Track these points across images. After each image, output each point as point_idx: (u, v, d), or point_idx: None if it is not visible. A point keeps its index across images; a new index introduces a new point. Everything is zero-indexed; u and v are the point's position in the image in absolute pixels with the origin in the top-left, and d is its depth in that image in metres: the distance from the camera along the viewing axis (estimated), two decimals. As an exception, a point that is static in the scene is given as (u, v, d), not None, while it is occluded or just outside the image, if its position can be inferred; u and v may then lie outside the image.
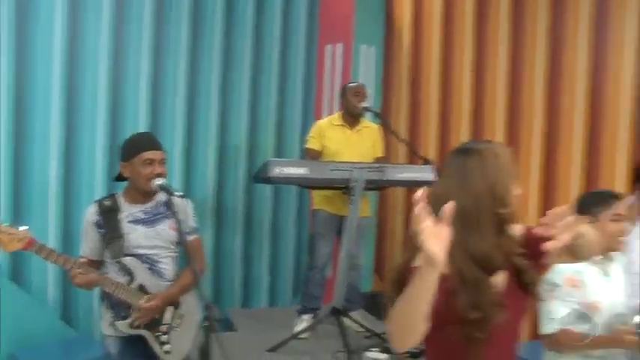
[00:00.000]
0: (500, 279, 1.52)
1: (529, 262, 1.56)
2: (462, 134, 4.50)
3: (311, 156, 3.84)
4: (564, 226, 1.28)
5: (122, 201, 2.46)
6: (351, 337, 3.59)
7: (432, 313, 1.33)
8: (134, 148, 2.44)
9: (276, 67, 4.77)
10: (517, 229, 1.60)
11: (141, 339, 2.40)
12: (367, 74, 4.83)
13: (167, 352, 2.43)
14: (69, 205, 3.74)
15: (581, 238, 1.63)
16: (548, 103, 4.01)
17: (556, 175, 3.95)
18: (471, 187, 1.49)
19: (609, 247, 2.20)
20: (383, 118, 4.11)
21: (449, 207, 1.27)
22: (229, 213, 4.58)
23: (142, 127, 4.00)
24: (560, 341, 2.17)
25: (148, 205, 2.47)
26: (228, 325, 4.26)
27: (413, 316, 1.32)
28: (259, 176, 3.48)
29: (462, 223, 1.38)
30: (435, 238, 1.24)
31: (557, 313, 2.15)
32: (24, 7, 3.54)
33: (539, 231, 1.32)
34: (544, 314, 2.19)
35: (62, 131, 3.70)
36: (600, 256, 2.18)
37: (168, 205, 2.40)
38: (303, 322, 3.83)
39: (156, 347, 2.42)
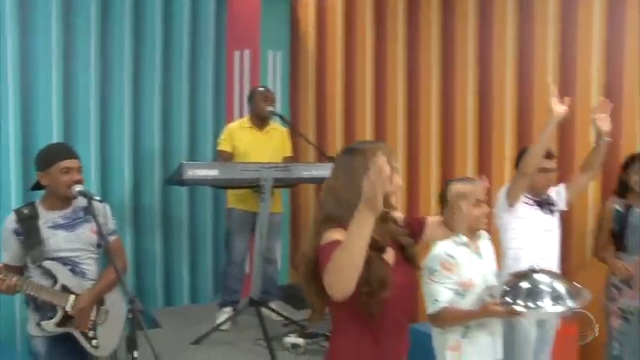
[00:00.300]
0: (389, 256, 1.83)
1: (411, 239, 1.92)
2: (365, 133, 4.84)
3: (223, 157, 4.04)
4: None
5: (41, 208, 2.59)
6: (271, 325, 3.85)
7: None
8: (51, 158, 2.58)
9: (186, 73, 4.90)
10: (399, 214, 1.96)
11: (68, 337, 2.55)
12: (275, 78, 5.08)
13: (95, 347, 2.59)
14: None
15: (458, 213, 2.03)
16: (442, 102, 4.43)
17: (452, 169, 4.38)
18: (355, 183, 1.69)
19: (475, 228, 2.55)
20: (288, 120, 4.38)
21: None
22: (147, 215, 4.70)
23: (56, 135, 4.08)
24: (443, 318, 2.47)
25: (67, 211, 2.61)
26: (152, 324, 4.39)
27: (356, 256, 1.53)
28: (173, 179, 3.65)
29: (352, 213, 1.60)
30: (380, 189, 1.48)
31: (438, 294, 2.45)
32: None
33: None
34: (428, 297, 2.49)
35: None
36: (468, 238, 2.53)
37: (87, 209, 2.56)
38: (224, 314, 4.04)
39: (84, 343, 2.57)
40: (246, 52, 5.04)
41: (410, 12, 4.59)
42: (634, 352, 3.24)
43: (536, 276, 2.41)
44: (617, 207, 3.35)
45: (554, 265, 3.00)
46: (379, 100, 4.78)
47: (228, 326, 3.93)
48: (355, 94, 4.92)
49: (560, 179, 3.25)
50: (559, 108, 2.81)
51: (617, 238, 3.33)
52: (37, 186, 2.64)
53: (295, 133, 4.32)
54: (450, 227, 2.13)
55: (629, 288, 3.25)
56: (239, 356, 3.58)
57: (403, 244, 1.89)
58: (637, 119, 3.58)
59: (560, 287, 2.38)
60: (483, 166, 4.16)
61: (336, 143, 5.00)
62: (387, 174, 1.49)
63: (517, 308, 2.32)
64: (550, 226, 3.09)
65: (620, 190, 3.40)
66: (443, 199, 2.53)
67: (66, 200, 2.59)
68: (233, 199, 4.13)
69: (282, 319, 3.99)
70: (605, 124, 2.94)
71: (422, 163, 4.53)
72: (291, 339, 3.68)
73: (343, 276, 1.56)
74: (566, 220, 3.60)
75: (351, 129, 4.94)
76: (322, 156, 4.29)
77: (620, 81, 3.63)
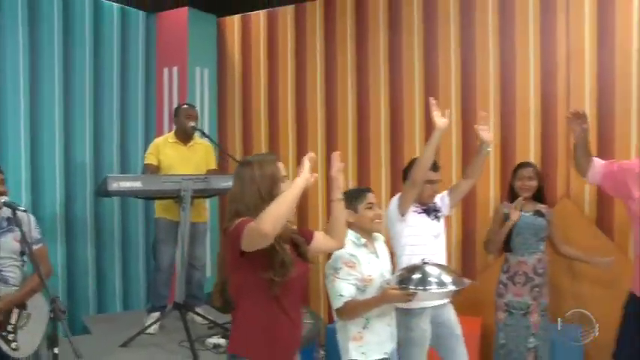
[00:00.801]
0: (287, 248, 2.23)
1: (303, 239, 2.37)
2: (288, 144, 5.19)
3: (149, 170, 4.25)
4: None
5: (-34, 219, 2.80)
6: (197, 328, 4.11)
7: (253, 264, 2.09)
8: (-27, 174, 2.79)
9: (117, 89, 5.10)
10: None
11: (-13, 339, 2.76)
12: (202, 94, 5.34)
13: (15, 350, 2.80)
14: None
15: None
16: (358, 116, 4.88)
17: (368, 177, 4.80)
18: (247, 191, 2.18)
19: (370, 230, 2.88)
20: (208, 135, 4.62)
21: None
22: (79, 226, 4.85)
23: None
24: (348, 310, 2.72)
25: (-7, 221, 2.83)
26: (83, 330, 4.58)
27: (284, 210, 2.04)
28: (100, 190, 3.84)
29: (252, 215, 2.09)
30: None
31: (342, 289, 2.70)
32: None
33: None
34: (333, 293, 2.72)
35: None
36: (365, 240, 2.84)
37: (11, 219, 2.77)
38: (152, 319, 4.24)
39: (3, 346, 2.78)
40: (175, 69, 5.28)
41: (326, 29, 5.03)
42: (516, 341, 3.64)
43: (426, 268, 2.73)
44: (506, 211, 3.72)
45: (443, 262, 3.27)
46: (300, 113, 5.17)
47: (155, 330, 4.14)
48: (278, 107, 5.29)
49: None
50: (440, 121, 3.11)
51: (506, 239, 3.69)
52: (-38, 199, 2.83)
53: (216, 146, 4.56)
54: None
55: (514, 285, 3.65)
56: (164, 356, 3.77)
57: (297, 243, 2.32)
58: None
59: (447, 278, 2.70)
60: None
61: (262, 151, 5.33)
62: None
63: (410, 290, 2.61)
64: (437, 231, 3.36)
65: (510, 196, 3.81)
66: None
67: (-10, 211, 2.80)
68: (160, 209, 4.36)
69: (207, 322, 4.23)
70: (486, 134, 3.29)
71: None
72: (214, 340, 3.90)
73: (277, 216, 2.02)
74: (470, 226, 4.08)
75: (275, 140, 5.30)
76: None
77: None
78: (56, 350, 2.54)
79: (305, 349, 3.61)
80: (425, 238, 3.30)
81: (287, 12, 5.22)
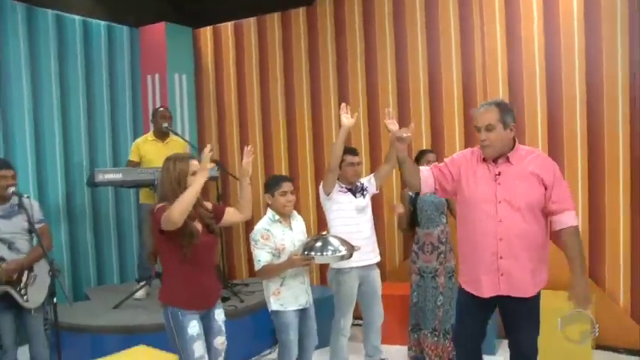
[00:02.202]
0: (198, 226, 3.04)
1: (212, 219, 3.14)
2: (256, 138, 6.04)
3: (132, 165, 5.04)
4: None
5: (-15, 204, 3.67)
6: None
7: (169, 237, 2.85)
8: (-10, 169, 3.66)
9: (107, 96, 5.95)
10: (209, 204, 3.19)
11: (7, 294, 3.63)
12: (181, 97, 6.17)
13: (26, 301, 3.68)
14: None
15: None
16: (314, 111, 5.71)
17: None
18: (165, 180, 3.03)
19: (281, 212, 3.54)
20: (177, 133, 5.37)
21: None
22: (79, 212, 5.74)
23: None
24: (264, 273, 3.43)
25: (6, 206, 3.69)
26: (85, 298, 5.47)
27: (187, 201, 2.80)
28: (90, 181, 4.69)
29: (169, 198, 2.92)
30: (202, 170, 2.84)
31: (260, 256, 3.40)
32: None
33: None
34: (254, 259, 3.43)
35: None
36: (279, 217, 3.52)
37: (20, 205, 3.64)
38: (140, 287, 5.11)
39: (18, 298, 3.65)
40: (157, 76, 6.09)
41: (284, 37, 5.85)
42: (426, 299, 4.30)
43: (328, 238, 3.45)
44: (410, 193, 4.39)
45: (368, 231, 4.01)
46: (265, 110, 6.02)
47: (141, 296, 5.02)
48: (246, 106, 6.12)
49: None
50: (346, 120, 3.85)
51: (412, 216, 4.40)
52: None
53: (188, 143, 5.34)
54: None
55: (424, 253, 4.31)
56: (146, 316, 4.52)
57: (207, 222, 3.13)
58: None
59: (341, 247, 3.39)
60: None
61: (234, 147, 6.19)
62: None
63: (310, 256, 3.32)
64: (361, 206, 4.02)
65: None
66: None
67: (3, 198, 3.67)
68: (143, 196, 5.21)
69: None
70: (393, 126, 3.74)
71: (300, 162, 5.79)
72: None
73: (182, 208, 2.81)
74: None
75: (245, 134, 6.14)
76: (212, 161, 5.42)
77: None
78: (55, 299, 3.44)
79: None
80: (349, 212, 3.98)
81: (250, 23, 6.05)
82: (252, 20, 6.04)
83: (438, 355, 4.26)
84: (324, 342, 4.05)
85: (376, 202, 4.92)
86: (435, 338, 4.28)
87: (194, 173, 3.00)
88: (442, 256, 4.30)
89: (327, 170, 4.01)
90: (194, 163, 3.05)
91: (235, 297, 4.88)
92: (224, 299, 4.77)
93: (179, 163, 3.03)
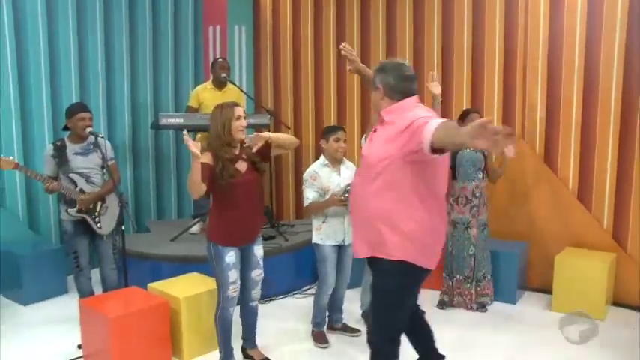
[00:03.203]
0: (242, 166, 3.40)
1: (258, 158, 3.48)
2: (308, 89, 6.37)
3: (190, 111, 5.47)
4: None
5: (68, 142, 4.15)
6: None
7: (210, 177, 3.23)
8: (73, 112, 4.13)
9: (171, 44, 6.39)
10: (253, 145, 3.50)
11: (84, 221, 4.17)
12: (240, 48, 6.50)
13: (100, 228, 4.21)
14: (27, 149, 5.37)
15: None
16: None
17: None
18: (213, 126, 3.39)
19: (335, 157, 3.96)
20: (234, 82, 5.68)
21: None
22: (143, 152, 6.28)
23: (75, 97, 5.55)
24: (310, 209, 3.92)
25: (84, 144, 4.17)
26: (146, 230, 6.05)
27: (195, 181, 3.19)
28: (154, 125, 5.15)
29: (213, 145, 3.32)
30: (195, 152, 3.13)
31: (307, 194, 3.88)
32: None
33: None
34: (303, 197, 3.91)
35: (18, 99, 5.25)
36: (329, 162, 3.94)
37: (95, 144, 4.12)
38: (195, 223, 5.63)
39: (93, 225, 4.19)
40: (217, 27, 6.44)
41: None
42: (460, 248, 4.65)
43: None
44: None
45: None
46: (317, 62, 6.31)
47: (196, 230, 5.52)
48: (300, 57, 6.41)
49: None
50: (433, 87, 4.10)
51: (452, 170, 4.63)
52: (66, 128, 4.20)
53: (243, 92, 5.68)
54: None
55: (457, 205, 4.62)
56: (198, 247, 4.85)
57: (254, 161, 3.47)
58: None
59: None
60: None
61: (287, 97, 6.54)
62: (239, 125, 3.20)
63: (346, 197, 3.72)
64: None
65: None
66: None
67: (82, 137, 4.15)
68: (200, 139, 5.63)
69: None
70: (435, 88, 4.07)
71: (348, 112, 6.09)
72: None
73: (191, 188, 3.24)
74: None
75: (298, 84, 6.47)
76: (260, 107, 5.85)
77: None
78: (122, 227, 3.95)
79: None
80: None
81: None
82: (308, -24, 6.27)
83: (470, 298, 4.67)
84: (357, 282, 4.47)
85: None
86: (468, 284, 4.66)
87: (238, 118, 3.34)
88: (475, 209, 4.60)
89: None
90: (238, 109, 3.37)
91: (281, 236, 5.33)
92: (270, 238, 5.24)
93: (225, 109, 3.37)
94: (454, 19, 5.42)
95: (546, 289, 4.87)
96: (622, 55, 4.62)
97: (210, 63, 5.75)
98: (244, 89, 5.93)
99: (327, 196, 3.90)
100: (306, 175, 3.96)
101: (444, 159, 2.76)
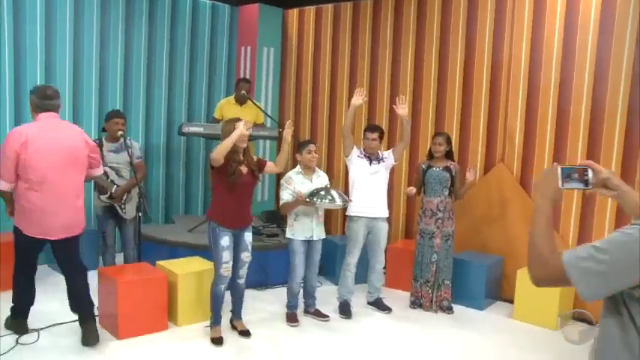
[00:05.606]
0: (244, 169, 4.21)
1: (257, 166, 4.30)
2: (324, 107, 7.11)
3: (215, 122, 6.24)
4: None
5: (104, 141, 5.06)
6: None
7: (218, 171, 4.11)
8: (109, 116, 5.05)
9: (206, 63, 7.23)
10: (255, 158, 4.37)
11: (112, 206, 5.06)
12: (267, 68, 7.30)
13: (124, 213, 5.10)
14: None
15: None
16: (369, 101, 6.68)
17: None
18: (222, 134, 4.22)
19: (308, 165, 4.67)
20: (252, 100, 6.44)
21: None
22: (175, 154, 7.15)
23: (119, 104, 6.47)
24: (284, 208, 4.67)
25: (116, 144, 5.06)
26: (171, 221, 6.92)
27: (224, 146, 4.02)
28: (179, 131, 5.99)
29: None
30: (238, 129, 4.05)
31: (282, 195, 4.64)
32: None
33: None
34: (280, 198, 4.68)
35: (71, 95, 6.21)
36: (303, 171, 4.67)
37: (125, 144, 5.01)
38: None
39: (119, 211, 5.08)
40: (249, 48, 7.27)
41: (353, 24, 6.77)
42: (424, 255, 5.23)
43: (331, 190, 4.59)
44: (423, 166, 5.28)
45: (377, 191, 5.03)
46: (332, 84, 7.04)
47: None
48: (318, 78, 7.15)
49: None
50: (356, 101, 4.90)
51: (423, 185, 5.27)
52: (104, 130, 5.11)
53: (259, 109, 6.46)
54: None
55: (425, 217, 5.20)
56: None
57: (252, 168, 4.29)
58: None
59: (338, 198, 4.52)
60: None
61: (307, 113, 7.31)
62: (242, 135, 4.00)
63: (311, 199, 4.48)
64: (374, 170, 5.02)
65: (428, 155, 5.35)
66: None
67: (115, 138, 5.04)
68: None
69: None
70: (402, 111, 4.96)
71: (357, 127, 6.82)
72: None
73: (220, 150, 4.02)
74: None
75: (316, 102, 7.22)
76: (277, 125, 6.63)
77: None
78: (140, 214, 4.82)
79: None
80: (363, 175, 5.05)
81: (328, 10, 7.03)
82: (329, 7, 6.99)
83: (429, 300, 5.26)
84: (337, 279, 5.18)
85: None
86: (428, 288, 5.25)
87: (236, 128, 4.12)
88: (440, 221, 5.17)
89: (343, 137, 5.11)
90: (239, 123, 4.16)
91: (283, 234, 6.07)
92: (273, 235, 6.01)
93: (228, 123, 4.21)
94: (476, 45, 5.96)
95: (517, 301, 5.33)
96: (592, 78, 5.08)
97: (236, 81, 6.57)
98: (269, 105, 6.76)
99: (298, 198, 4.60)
100: (282, 180, 4.72)
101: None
